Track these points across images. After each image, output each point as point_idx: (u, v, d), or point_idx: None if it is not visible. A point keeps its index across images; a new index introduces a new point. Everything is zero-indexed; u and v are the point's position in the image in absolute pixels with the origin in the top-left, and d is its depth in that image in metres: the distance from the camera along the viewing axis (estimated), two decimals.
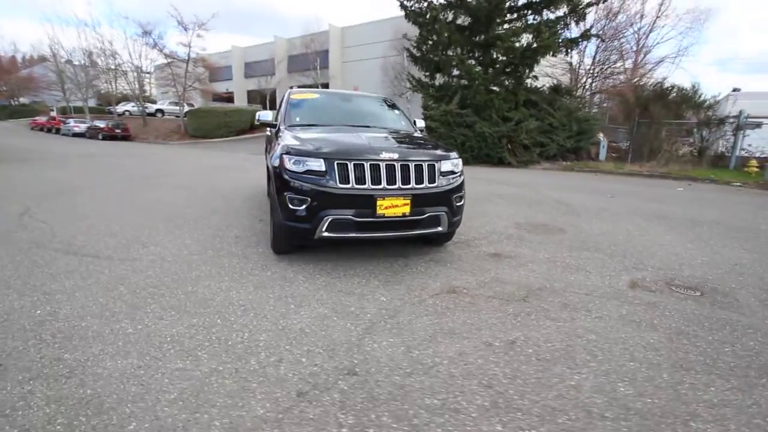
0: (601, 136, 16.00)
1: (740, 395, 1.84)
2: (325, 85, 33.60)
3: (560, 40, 14.63)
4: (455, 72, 16.77)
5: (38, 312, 2.39)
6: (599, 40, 16.21)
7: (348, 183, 3.00)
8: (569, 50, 15.66)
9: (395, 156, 3.12)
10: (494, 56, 16.08)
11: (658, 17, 22.35)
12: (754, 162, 11.73)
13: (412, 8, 16.90)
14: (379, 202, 3.00)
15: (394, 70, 29.22)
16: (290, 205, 3.05)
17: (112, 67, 28.61)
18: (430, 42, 16.60)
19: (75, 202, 5.57)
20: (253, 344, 2.12)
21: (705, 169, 12.35)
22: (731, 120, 12.37)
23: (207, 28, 25.09)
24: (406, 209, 3.09)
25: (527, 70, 15.51)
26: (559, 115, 14.95)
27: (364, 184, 3.01)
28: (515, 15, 15.73)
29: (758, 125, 12.99)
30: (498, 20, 15.23)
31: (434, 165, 3.27)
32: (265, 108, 32.49)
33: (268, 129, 5.05)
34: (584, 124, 15.31)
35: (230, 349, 2.07)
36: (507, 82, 15.73)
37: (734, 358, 2.16)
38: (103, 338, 2.13)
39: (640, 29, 20.63)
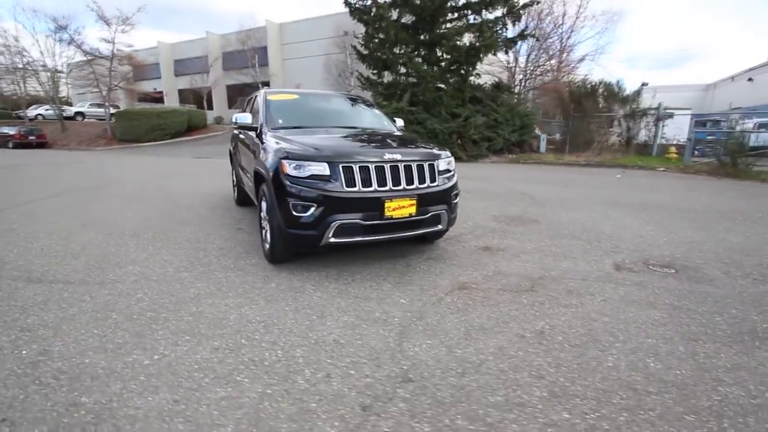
0: (537, 130, 17.15)
1: (746, 358, 2.09)
2: (266, 84, 32.46)
3: (500, 40, 15.40)
4: (402, 70, 17.06)
5: (24, 352, 2.07)
6: (534, 39, 17.38)
7: (354, 186, 2.93)
8: (508, 49, 16.57)
9: (397, 156, 3.10)
10: (440, 54, 16.58)
11: (577, 18, 24.41)
12: (673, 149, 13.27)
13: (357, 5, 16.81)
14: (387, 204, 2.97)
15: (337, 68, 28.97)
16: (294, 212, 2.91)
17: (20, 66, 25.23)
18: (377, 40, 16.64)
19: (13, 222, 4.86)
20: (292, 362, 2.01)
21: (633, 157, 13.72)
22: (652, 112, 13.86)
23: (132, 23, 23.01)
24: (413, 210, 3.10)
25: (471, 68, 16.15)
26: (503, 111, 15.80)
27: (371, 186, 2.97)
28: (456, 15, 16.25)
29: (670, 116, 14.71)
30: (441, 19, 15.65)
31: (433, 164, 3.31)
32: (201, 107, 30.67)
33: (241, 132, 4.77)
34: (525, 118, 16.30)
35: (270, 369, 1.95)
36: (452, 80, 16.25)
37: (726, 326, 2.45)
38: (118, 374, 1.90)
39: (562, 31, 22.30)
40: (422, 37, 16.46)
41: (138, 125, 19.97)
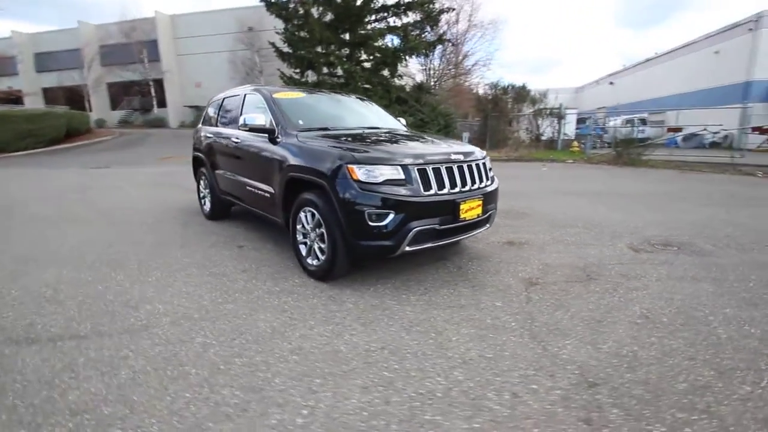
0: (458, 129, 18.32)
1: None
2: (158, 81, 29.08)
3: (423, 43, 16.01)
4: (326, 70, 16.70)
5: None
6: (451, 44, 18.48)
7: (431, 189, 2.76)
8: (429, 53, 17.33)
9: (461, 156, 3.01)
10: (365, 55, 16.62)
11: (468, 28, 26.64)
12: (575, 143, 15.28)
13: (273, 0, 15.95)
14: (461, 206, 2.85)
15: (245, 66, 27.15)
16: (369, 222, 2.62)
17: None
18: (298, 37, 16.00)
19: None
20: (463, 386, 1.80)
21: (543, 152, 15.47)
22: (556, 111, 15.77)
23: None
24: (480, 210, 3.03)
25: (395, 69, 16.51)
26: (427, 111, 16.49)
27: (445, 188, 2.82)
28: (377, 16, 16.44)
29: (563, 116, 16.93)
30: (366, 20, 15.70)
31: (485, 162, 3.29)
32: (79, 109, 26.04)
33: (228, 137, 4.15)
34: (447, 118, 17.26)
35: (450, 400, 1.72)
36: (378, 81, 16.43)
37: (762, 288, 2.88)
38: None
39: (457, 38, 24.07)
40: (345, 36, 16.32)
41: (1, 132, 16.07)
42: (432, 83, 22.38)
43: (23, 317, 2.51)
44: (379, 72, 16.30)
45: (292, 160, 3.11)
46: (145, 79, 28.55)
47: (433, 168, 2.79)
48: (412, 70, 22.49)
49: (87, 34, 28.41)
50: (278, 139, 3.38)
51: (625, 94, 30.05)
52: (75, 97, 27.47)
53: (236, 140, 4.03)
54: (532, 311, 2.55)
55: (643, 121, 21.15)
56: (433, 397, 1.74)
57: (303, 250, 3.17)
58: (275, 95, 3.78)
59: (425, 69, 22.58)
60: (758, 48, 17.61)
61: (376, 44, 16.07)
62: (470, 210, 2.93)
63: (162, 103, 29.52)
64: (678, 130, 14.81)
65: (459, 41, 20.32)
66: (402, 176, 2.68)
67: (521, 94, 16.39)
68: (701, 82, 21.01)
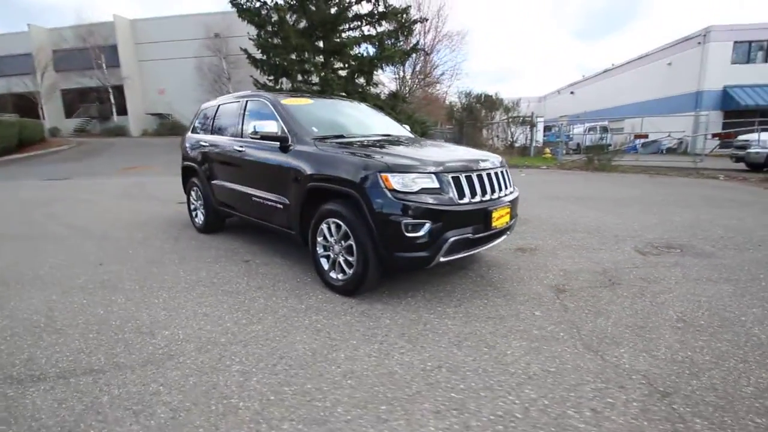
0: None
1: None
2: (118, 88, 27.74)
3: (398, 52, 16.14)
4: (299, 77, 16.48)
5: None
6: (425, 53, 18.75)
7: (465, 197, 2.69)
8: (404, 62, 17.50)
9: (488, 164, 2.96)
10: (339, 63, 16.54)
11: (439, 40, 27.19)
12: (547, 150, 15.83)
13: (246, 6, 15.62)
14: (494, 214, 2.80)
15: (212, 72, 26.38)
16: (405, 233, 2.51)
17: None
18: (271, 44, 15.72)
19: None
20: (535, 405, 1.71)
21: (518, 158, 15.90)
22: (528, 119, 16.30)
23: None
24: (508, 218, 3.00)
25: (371, 78, 16.55)
26: (404, 119, 16.58)
27: (476, 196, 2.76)
28: (352, 25, 16.44)
29: (536, 124, 17.55)
30: (341, 27, 15.67)
31: (507, 170, 3.26)
32: (30, 117, 24.26)
33: (202, 143, 3.91)
34: (423, 126, 17.46)
35: (535, 421, 1.62)
36: (351, 89, 16.38)
37: None
38: None
39: (428, 48, 24.51)
40: (320, 44, 16.19)
41: None
42: (405, 92, 22.61)
43: (19, 351, 2.20)
44: (354, 80, 16.27)
45: (313, 169, 2.95)
46: (104, 85, 27.09)
47: (465, 176, 2.72)
48: (384, 79, 22.65)
49: (39, 38, 26.64)
50: (291, 148, 3.21)
51: (585, 103, 31.61)
52: (26, 105, 25.58)
53: (239, 149, 3.80)
54: (573, 320, 2.52)
55: (605, 129, 22.28)
56: (514, 418, 1.65)
57: (325, 264, 3.00)
58: (283, 102, 3.60)
59: (397, 78, 22.81)
60: (707, 60, 19.06)
61: (351, 53, 16.06)
62: (500, 218, 2.88)
63: (122, 111, 28.08)
64: (644, 136, 15.68)
65: (430, 51, 20.76)
66: (437, 185, 2.60)
67: (494, 102, 16.83)
68: (656, 91, 22.45)
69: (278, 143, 3.31)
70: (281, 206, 3.32)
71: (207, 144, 4.41)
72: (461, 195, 2.67)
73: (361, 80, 16.69)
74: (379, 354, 2.14)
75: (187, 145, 4.91)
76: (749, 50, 19.47)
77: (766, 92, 18.78)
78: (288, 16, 14.97)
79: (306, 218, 3.09)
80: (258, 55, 16.17)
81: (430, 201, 2.55)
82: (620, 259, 3.74)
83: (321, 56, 16.27)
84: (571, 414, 1.67)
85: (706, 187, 8.80)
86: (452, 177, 2.66)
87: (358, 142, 3.18)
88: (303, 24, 15.96)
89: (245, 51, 16.38)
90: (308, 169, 2.98)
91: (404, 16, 15.93)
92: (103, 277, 3.36)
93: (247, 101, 3.95)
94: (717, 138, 13.28)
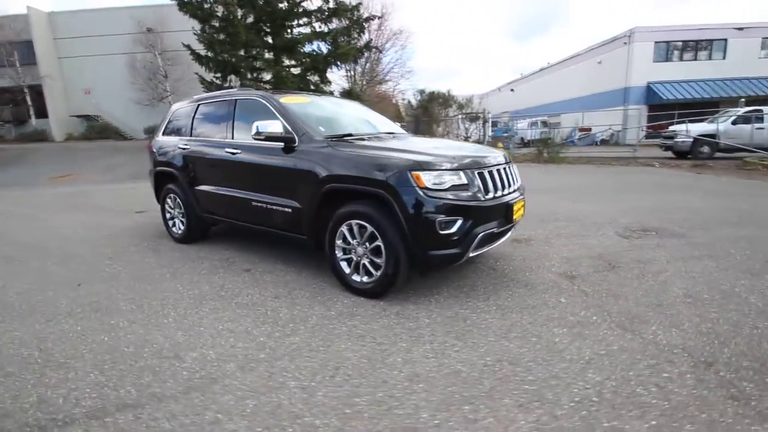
0: None
1: None
2: (35, 88, 24.95)
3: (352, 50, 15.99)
4: (249, 75, 15.83)
5: None
6: (378, 51, 18.77)
7: (489, 193, 2.73)
8: (357, 59, 17.39)
9: (501, 159, 3.04)
10: (291, 60, 16.09)
11: (388, 39, 27.44)
12: (500, 144, 16.55)
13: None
14: (514, 208, 2.87)
15: (147, 70, 24.47)
16: (439, 231, 2.50)
17: None
18: (218, 40, 14.89)
19: None
20: (604, 387, 1.79)
21: None
22: (480, 114, 16.94)
23: None
24: (523, 211, 3.09)
25: (324, 75, 16.28)
26: None
27: (498, 191, 2.82)
28: (303, 21, 16.04)
29: (488, 119, 18.32)
30: (294, 23, 15.24)
31: (513, 165, 3.36)
32: None
33: (181, 146, 3.65)
34: None
35: (612, 402, 1.69)
36: (305, 87, 16.03)
37: (745, 256, 3.38)
38: None
39: (378, 46, 24.69)
40: (269, 40, 15.63)
41: None
42: (358, 90, 22.53)
43: (24, 393, 1.90)
44: (306, 78, 15.92)
45: (330, 170, 2.84)
46: (18, 85, 24.11)
47: (487, 171, 2.77)
48: (335, 77, 22.43)
49: None
50: (298, 148, 3.07)
51: (525, 99, 33.50)
52: None
53: (232, 151, 3.56)
54: (598, 303, 2.66)
55: (545, 123, 23.76)
56: (593, 402, 1.70)
57: (345, 267, 2.91)
58: (282, 100, 3.42)
59: (348, 76, 22.65)
60: (633, 59, 21.01)
61: (303, 50, 15.69)
62: (518, 211, 2.97)
63: (42, 113, 25.19)
64: (588, 129, 16.94)
65: (382, 49, 20.84)
66: (465, 181, 2.61)
67: (447, 99, 17.31)
68: (589, 88, 24.34)
69: (282, 144, 3.14)
70: (289, 210, 3.16)
71: (187, 147, 4.08)
72: (486, 190, 2.71)
73: (315, 78, 16.36)
74: (435, 354, 2.11)
75: (159, 148, 4.51)
76: (668, 50, 21.83)
77: (683, 88, 21.16)
78: (235, 11, 14.24)
79: (320, 221, 2.97)
80: (202, 51, 15.24)
81: (461, 197, 2.56)
82: (608, 243, 4.01)
83: (271, 53, 15.71)
84: (641, 392, 1.76)
85: (649, 174, 9.71)
86: (477, 173, 2.69)
87: (371, 140, 3.11)
88: (250, 19, 15.30)
89: (188, 47, 15.37)
90: (324, 170, 2.86)
91: (355, 13, 15.82)
92: (88, 299, 2.99)
93: (237, 100, 3.71)
94: (651, 129, 14.70)
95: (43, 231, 5.39)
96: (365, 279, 2.81)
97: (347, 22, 16.08)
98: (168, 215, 4.54)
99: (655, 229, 4.49)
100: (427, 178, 2.51)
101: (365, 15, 16.40)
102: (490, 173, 2.79)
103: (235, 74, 15.63)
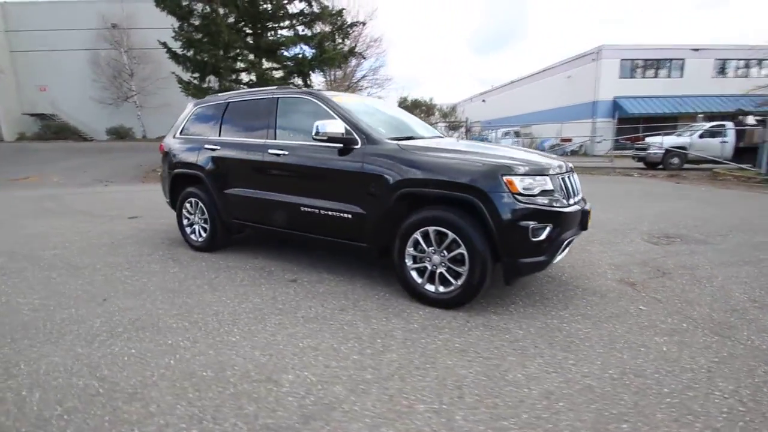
0: None
1: None
2: None
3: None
4: (233, 76, 15.30)
5: None
6: (361, 57, 18.67)
7: (570, 198, 2.68)
8: (342, 64, 17.20)
9: (570, 167, 3.00)
10: (273, 63, 15.70)
11: (367, 48, 27.44)
12: None
13: None
14: (590, 214, 2.84)
15: (111, 67, 23.12)
16: (532, 238, 2.41)
17: None
18: (198, 39, 14.28)
19: None
20: (741, 394, 1.75)
21: None
22: (463, 123, 17.23)
23: None
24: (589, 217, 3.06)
25: (309, 79, 16.01)
26: None
27: (574, 197, 2.77)
28: (286, 23, 15.72)
29: (470, 128, 18.69)
30: (278, 25, 14.91)
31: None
32: None
33: (209, 146, 3.43)
34: None
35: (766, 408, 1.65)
36: None
37: None
38: None
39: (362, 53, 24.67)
40: (251, 41, 15.17)
41: None
42: None
43: None
44: (289, 81, 15.57)
45: (405, 174, 2.68)
46: None
47: (568, 177, 2.73)
48: (313, 82, 22.03)
49: None
50: (361, 150, 2.89)
51: (496, 110, 34.52)
52: None
53: (276, 152, 3.31)
54: (677, 310, 2.65)
55: (517, 134, 24.56)
56: (742, 411, 1.65)
57: (416, 276, 2.75)
58: (335, 99, 3.24)
59: (328, 81, 22.39)
60: (601, 74, 22.19)
61: (287, 53, 15.37)
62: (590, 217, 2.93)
63: None
64: (569, 140, 17.62)
65: (365, 55, 20.81)
66: (551, 186, 2.54)
67: (430, 107, 17.49)
68: (559, 100, 25.44)
69: (341, 145, 2.96)
70: (349, 216, 2.96)
71: (216, 148, 3.77)
72: (568, 196, 2.65)
73: (299, 81, 16.03)
74: (554, 369, 2.00)
75: (177, 149, 4.16)
76: (632, 67, 23.31)
77: (646, 103, 22.61)
78: (218, 8, 13.71)
79: (387, 228, 2.81)
80: (179, 50, 14.53)
81: (551, 203, 2.49)
82: (643, 250, 4.09)
83: (253, 54, 15.25)
84: None
85: (633, 183, 10.18)
86: (561, 178, 2.64)
87: (438, 143, 2.99)
88: (231, 19, 14.79)
89: (164, 45, 14.63)
90: (398, 174, 2.70)
91: (339, 18, 15.70)
92: (125, 316, 2.64)
93: (279, 98, 3.47)
94: (630, 141, 15.53)
95: (28, 239, 4.81)
96: (442, 289, 2.66)
97: (331, 27, 15.92)
98: (186, 221, 4.18)
99: (677, 236, 4.64)
100: (519, 183, 2.41)
101: (349, 21, 16.32)
102: (568, 179, 2.74)
103: (214, 75, 15.04)
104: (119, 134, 23.67)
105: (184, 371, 2.00)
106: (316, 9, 15.20)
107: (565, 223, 2.55)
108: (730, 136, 12.53)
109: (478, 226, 2.48)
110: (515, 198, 2.39)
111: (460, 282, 2.58)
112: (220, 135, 3.84)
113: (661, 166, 13.32)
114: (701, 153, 12.59)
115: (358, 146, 2.91)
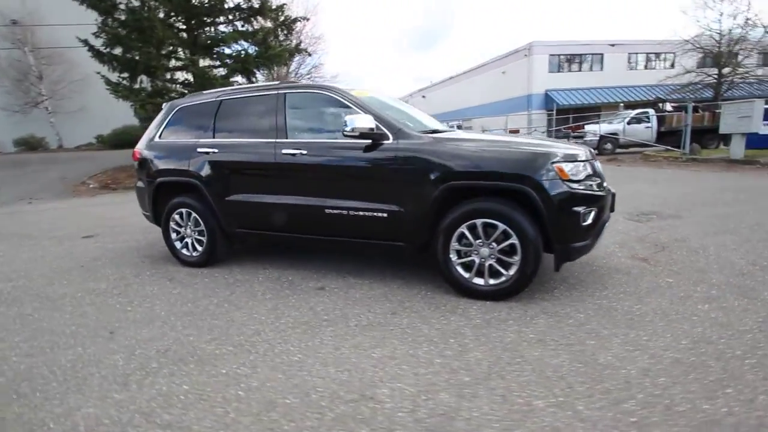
0: None
1: None
2: None
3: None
4: (168, 75, 14.13)
5: None
6: (307, 54, 18.03)
7: (604, 183, 2.78)
8: (286, 62, 16.56)
9: (594, 151, 3.12)
10: (210, 61, 14.76)
11: (309, 45, 26.83)
12: None
13: None
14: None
15: (16, 69, 20.25)
16: (582, 222, 2.47)
17: None
18: (126, 35, 12.96)
19: None
20: None
21: None
22: None
23: None
24: None
25: (253, 77, 15.26)
26: None
27: (603, 182, 2.88)
28: (225, 18, 14.80)
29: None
30: (217, 20, 13.98)
31: None
32: None
33: (206, 149, 3.21)
34: None
35: None
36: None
37: (754, 231, 3.99)
38: None
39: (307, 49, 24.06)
40: (184, 36, 14.09)
41: None
42: None
43: None
44: (230, 80, 14.73)
45: (450, 167, 2.60)
46: None
47: (594, 163, 2.82)
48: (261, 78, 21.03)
49: None
50: (394, 145, 2.77)
51: (436, 106, 35.52)
52: None
53: (291, 152, 3.06)
54: (699, 278, 2.87)
55: (459, 127, 25.49)
56: None
57: (462, 271, 2.70)
58: (354, 93, 3.07)
59: (269, 79, 21.47)
60: (533, 69, 23.69)
61: (226, 50, 14.51)
62: None
63: None
64: (517, 131, 18.54)
65: (310, 52, 20.13)
66: (591, 171, 2.62)
67: None
68: (496, 94, 26.78)
69: (369, 141, 2.81)
70: (384, 215, 2.82)
71: (213, 150, 3.40)
72: (602, 181, 2.75)
73: (241, 80, 15.20)
74: (635, 347, 2.05)
75: (158, 155, 3.71)
76: (559, 62, 25.22)
77: (574, 94, 24.60)
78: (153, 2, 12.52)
79: (429, 224, 2.72)
80: (103, 47, 13.07)
81: (594, 187, 2.57)
82: (632, 227, 4.41)
83: (189, 52, 14.16)
84: None
85: None
86: (595, 164, 2.73)
87: (466, 135, 2.95)
88: (161, 14, 13.59)
89: (85, 42, 13.08)
90: (441, 168, 2.62)
91: (280, 13, 15.10)
92: (149, 349, 2.29)
93: (286, 94, 3.21)
94: (571, 130, 16.76)
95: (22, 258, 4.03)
96: (492, 281, 2.63)
97: (273, 23, 15.26)
98: (174, 235, 3.74)
99: (652, 213, 5.07)
100: (568, 170, 2.46)
101: (293, 17, 15.75)
102: (597, 164, 2.85)
103: (146, 74, 13.75)
104: (30, 145, 20.77)
105: (262, 402, 1.77)
106: (255, 4, 14.48)
107: (604, 206, 2.65)
108: (653, 122, 14.02)
109: (529, 214, 2.48)
110: (566, 184, 2.43)
111: (511, 272, 2.57)
112: (214, 137, 3.47)
113: (596, 152, 14.53)
114: (631, 138, 13.94)
115: (390, 141, 2.79)
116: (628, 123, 14.36)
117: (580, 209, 2.44)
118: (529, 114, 19.85)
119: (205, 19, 13.97)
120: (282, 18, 15.18)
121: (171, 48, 13.89)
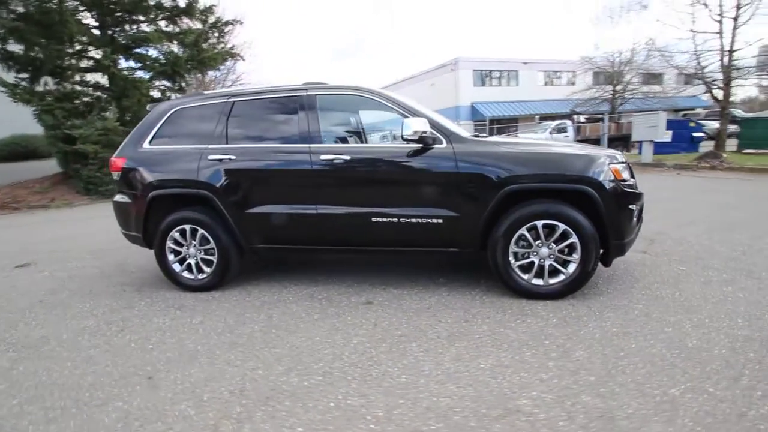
0: None
1: None
2: None
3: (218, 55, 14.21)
4: (79, 77, 12.39)
5: None
6: (241, 58, 16.96)
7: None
8: (221, 65, 15.45)
9: None
10: (133, 62, 13.28)
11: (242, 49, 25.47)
12: None
13: None
14: None
15: None
16: (633, 221, 2.68)
17: None
18: (27, 30, 11.10)
19: None
20: None
21: None
22: None
23: None
24: None
25: (184, 81, 14.09)
26: None
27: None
28: (147, 16, 13.44)
29: None
30: (143, 18, 12.63)
31: None
32: None
33: (219, 157, 2.98)
34: None
35: None
36: (157, 94, 13.57)
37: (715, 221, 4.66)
38: None
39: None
40: (99, 32, 12.52)
41: None
42: None
43: None
44: (155, 83, 13.40)
45: (512, 171, 2.61)
46: None
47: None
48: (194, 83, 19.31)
49: None
50: (450, 149, 2.72)
51: (368, 115, 35.92)
52: None
53: (329, 158, 2.84)
54: (704, 265, 3.25)
55: (394, 137, 26.11)
56: None
57: (522, 273, 2.73)
58: (392, 95, 2.96)
59: (197, 84, 19.87)
60: (459, 83, 25.21)
61: (154, 52, 13.18)
62: None
63: None
64: None
65: (243, 57, 18.99)
66: (630, 172, 2.84)
67: None
68: (426, 106, 27.90)
69: (421, 146, 2.73)
70: (439, 221, 2.74)
71: (230, 156, 3.01)
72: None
73: (167, 84, 13.90)
74: (711, 331, 2.24)
75: (153, 162, 3.20)
76: (482, 76, 27.23)
77: (495, 106, 26.69)
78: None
79: (486, 228, 2.72)
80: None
81: (636, 186, 2.79)
82: None
83: (107, 51, 12.56)
84: None
85: None
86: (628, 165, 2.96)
87: (503, 138, 3.02)
88: (68, 5, 11.89)
89: None
90: (501, 172, 2.62)
91: (209, 14, 14.14)
92: (221, 389, 1.93)
93: (317, 96, 2.97)
94: None
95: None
96: (552, 281, 2.70)
97: (202, 25, 14.22)
98: (172, 256, 3.23)
99: None
100: (621, 170, 2.63)
101: (225, 19, 14.84)
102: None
103: (51, 75, 11.88)
104: None
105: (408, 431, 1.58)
106: (181, 3, 13.38)
107: (642, 203, 2.88)
108: (570, 132, 15.79)
109: (587, 214, 2.59)
110: (621, 185, 2.60)
111: (571, 271, 2.66)
112: (227, 142, 3.08)
113: None
114: None
115: (443, 145, 2.74)
116: (550, 132, 16.00)
117: (633, 206, 2.63)
118: (458, 124, 21.03)
119: (122, 15, 12.53)
120: (213, 20, 14.24)
121: (80, 47, 12.19)
